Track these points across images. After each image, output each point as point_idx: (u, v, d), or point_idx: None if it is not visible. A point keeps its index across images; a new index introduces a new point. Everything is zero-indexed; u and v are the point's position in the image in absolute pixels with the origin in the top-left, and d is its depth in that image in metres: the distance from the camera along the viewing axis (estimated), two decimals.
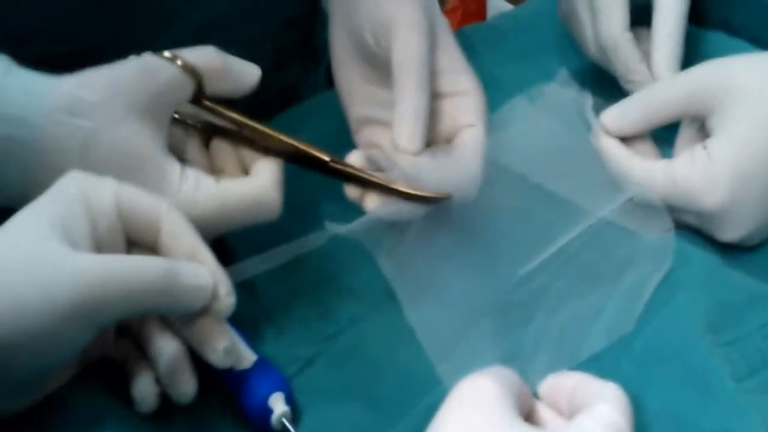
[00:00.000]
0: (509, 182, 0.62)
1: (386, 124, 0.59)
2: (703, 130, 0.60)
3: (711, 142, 0.58)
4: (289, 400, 0.53)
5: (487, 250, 0.59)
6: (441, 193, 0.56)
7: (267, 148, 0.56)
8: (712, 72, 0.59)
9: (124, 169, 0.51)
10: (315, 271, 0.61)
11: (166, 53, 0.54)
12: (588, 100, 0.65)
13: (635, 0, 0.68)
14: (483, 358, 0.52)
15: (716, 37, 0.73)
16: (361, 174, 0.57)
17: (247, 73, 0.57)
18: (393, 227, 0.58)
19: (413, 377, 0.56)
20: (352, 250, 0.57)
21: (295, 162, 0.57)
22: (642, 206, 0.60)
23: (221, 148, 0.58)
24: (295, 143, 0.57)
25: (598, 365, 0.50)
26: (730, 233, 0.58)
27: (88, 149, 0.51)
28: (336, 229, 0.55)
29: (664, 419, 0.50)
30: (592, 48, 0.68)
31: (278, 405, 0.53)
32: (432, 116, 0.58)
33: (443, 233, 0.59)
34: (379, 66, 0.61)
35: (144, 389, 0.51)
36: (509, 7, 0.87)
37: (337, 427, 0.54)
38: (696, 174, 0.57)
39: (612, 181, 0.62)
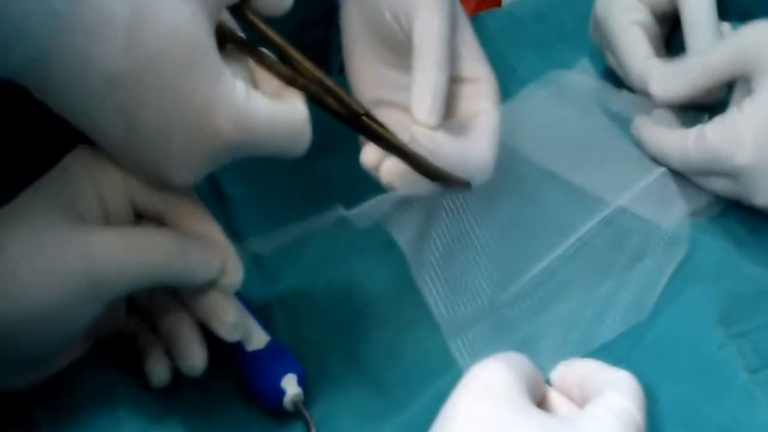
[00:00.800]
0: (524, 170, 0.62)
1: (400, 106, 0.59)
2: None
3: (745, 103, 0.58)
4: (302, 382, 0.53)
5: (501, 237, 0.58)
6: (463, 179, 0.56)
7: (294, 80, 0.50)
8: (759, 33, 0.59)
9: (176, 59, 0.43)
10: (327, 254, 0.61)
11: None
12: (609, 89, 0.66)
13: (660, 12, 0.69)
14: (496, 344, 0.51)
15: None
16: (390, 137, 0.54)
17: None
18: (405, 209, 0.58)
19: (424, 363, 0.56)
20: (365, 232, 0.57)
21: (319, 104, 0.51)
22: (657, 194, 0.60)
23: (256, 67, 0.52)
24: (333, 85, 0.52)
25: (610, 354, 0.50)
26: (763, 195, 0.58)
27: (138, 23, 0.42)
28: (345, 212, 0.55)
29: (675, 410, 0.50)
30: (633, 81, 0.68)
31: (291, 386, 0.53)
32: (448, 99, 0.57)
33: (458, 218, 0.59)
34: (395, 47, 0.61)
35: (156, 363, 0.51)
36: None
37: (348, 411, 0.54)
38: (726, 133, 0.58)
39: (628, 169, 0.62)
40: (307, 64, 0.51)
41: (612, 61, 0.70)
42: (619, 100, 0.67)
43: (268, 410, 0.53)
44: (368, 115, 0.53)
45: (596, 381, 0.46)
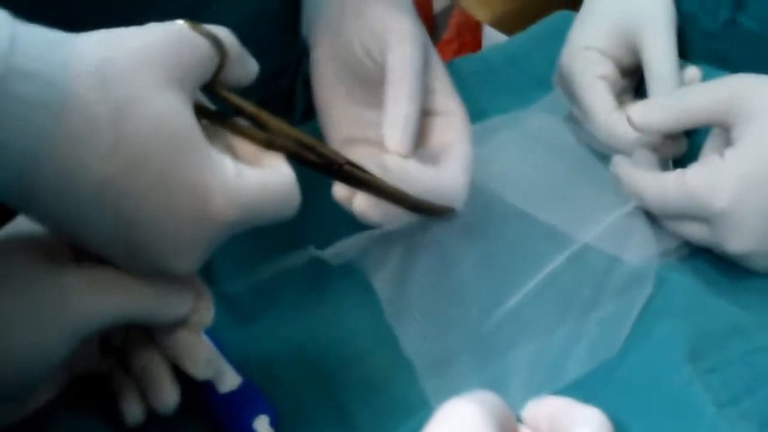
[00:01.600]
0: (495, 208, 0.63)
1: (372, 143, 0.59)
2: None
3: (727, 150, 0.58)
4: (274, 423, 0.53)
5: (473, 276, 0.59)
6: (445, 207, 0.57)
7: (272, 143, 0.50)
8: (742, 83, 0.60)
9: (164, 149, 0.43)
10: (302, 294, 0.62)
11: (195, 24, 0.47)
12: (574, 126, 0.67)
13: (626, 66, 0.70)
14: (468, 382, 0.52)
15: (706, 70, 0.74)
16: (373, 179, 0.54)
17: (252, 63, 0.52)
18: (379, 249, 0.58)
19: (398, 402, 0.56)
20: (340, 271, 0.58)
21: (299, 161, 0.51)
22: (626, 232, 0.61)
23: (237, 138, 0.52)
24: (310, 140, 0.52)
25: (580, 392, 0.50)
26: (737, 242, 0.58)
27: (122, 120, 0.42)
28: (317, 252, 0.55)
29: None
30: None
31: (263, 428, 0.53)
32: (420, 131, 0.58)
33: (431, 258, 0.59)
34: (366, 84, 0.61)
35: (130, 402, 0.51)
36: (505, 38, 0.88)
37: None
38: (705, 176, 0.58)
39: (595, 206, 0.63)
40: (280, 125, 0.51)
41: (577, 114, 0.71)
42: (585, 137, 0.69)
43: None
44: (350, 163, 0.54)
45: (566, 418, 0.46)
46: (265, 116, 0.51)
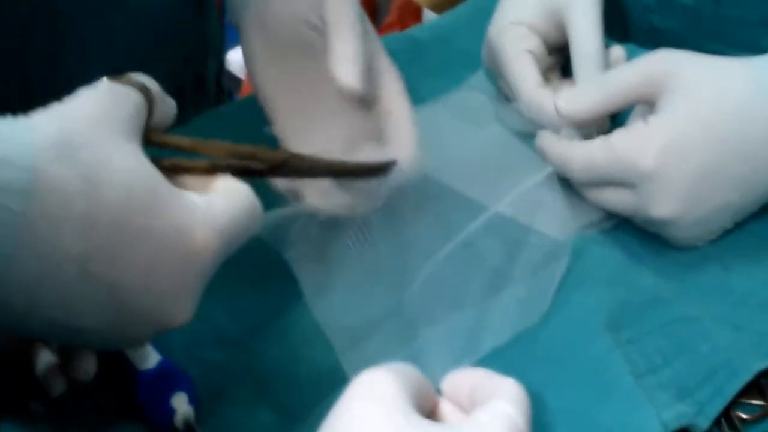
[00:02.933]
0: (418, 185, 0.62)
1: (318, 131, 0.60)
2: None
3: (650, 117, 0.58)
4: (193, 401, 0.53)
5: (391, 248, 0.59)
6: (387, 160, 0.57)
7: (216, 167, 0.49)
8: (665, 60, 0.60)
9: (140, 204, 0.43)
10: (222, 274, 0.61)
11: (119, 77, 0.47)
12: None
13: (552, 42, 0.70)
14: (387, 358, 0.51)
15: (631, 50, 0.74)
16: (319, 163, 0.54)
17: (171, 101, 0.52)
18: (295, 228, 0.58)
19: (318, 379, 0.55)
20: (258, 251, 0.57)
21: (245, 174, 0.50)
22: (543, 203, 0.61)
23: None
24: (247, 149, 0.51)
25: (499, 362, 0.50)
26: (661, 206, 0.58)
27: (94, 187, 0.41)
28: None
29: (563, 414, 0.51)
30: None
31: (181, 405, 0.52)
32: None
33: (348, 234, 0.59)
34: (304, 55, 0.61)
35: (51, 373, 0.51)
36: None
37: (242, 429, 0.54)
38: (631, 139, 0.58)
39: (513, 179, 0.63)
40: (218, 145, 0.50)
41: (504, 88, 0.71)
42: (511, 115, 0.69)
43: (160, 429, 0.52)
44: (293, 155, 0.53)
45: (483, 389, 0.46)
46: (202, 144, 0.50)
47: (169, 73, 0.77)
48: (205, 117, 0.75)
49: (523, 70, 0.68)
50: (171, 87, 0.78)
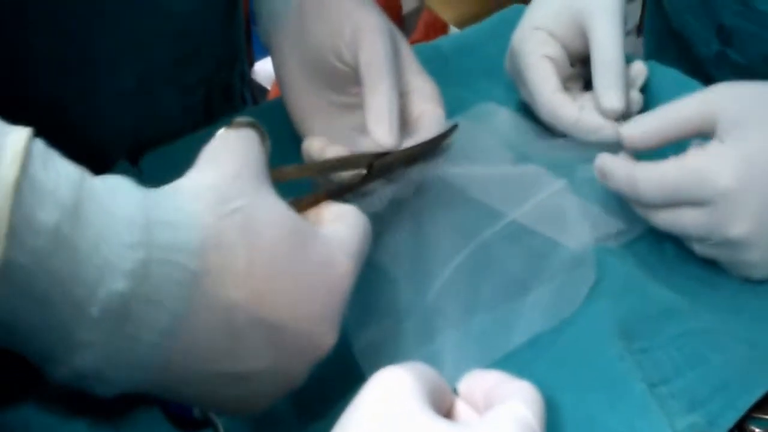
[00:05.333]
0: (444, 192, 0.62)
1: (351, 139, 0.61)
2: None
3: (723, 135, 0.57)
4: None
5: (410, 252, 0.58)
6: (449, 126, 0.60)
7: (333, 193, 0.52)
8: (726, 91, 0.59)
9: (290, 243, 0.45)
10: None
11: (236, 122, 0.48)
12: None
13: (574, 51, 0.70)
14: (405, 357, 0.51)
15: (653, 66, 0.74)
16: (395, 155, 0.57)
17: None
18: None
19: (337, 377, 0.55)
20: None
21: (338, 195, 0.54)
22: (563, 215, 0.61)
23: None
24: (339, 158, 0.55)
25: (515, 365, 0.50)
26: (738, 224, 0.55)
27: (250, 235, 0.43)
28: None
29: (576, 419, 0.50)
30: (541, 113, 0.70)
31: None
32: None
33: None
34: (337, 84, 0.62)
35: None
36: None
37: (261, 418, 0.53)
38: (708, 158, 0.56)
39: (534, 188, 0.63)
40: (309, 166, 0.54)
41: (524, 95, 0.71)
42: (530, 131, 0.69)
43: (177, 419, 0.52)
44: (376, 155, 0.56)
45: (499, 391, 0.45)
46: (302, 169, 0.53)
47: (199, 80, 0.78)
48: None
49: (542, 74, 0.68)
50: (200, 95, 0.79)
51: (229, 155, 0.46)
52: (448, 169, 0.62)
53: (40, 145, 0.40)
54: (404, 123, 0.61)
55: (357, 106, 0.61)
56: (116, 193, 0.41)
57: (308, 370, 0.47)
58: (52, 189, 0.39)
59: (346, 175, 0.56)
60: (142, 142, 0.72)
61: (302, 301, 0.45)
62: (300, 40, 0.64)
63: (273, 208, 0.45)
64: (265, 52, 0.69)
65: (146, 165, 0.69)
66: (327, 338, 0.47)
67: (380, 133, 0.57)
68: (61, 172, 0.40)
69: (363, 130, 0.60)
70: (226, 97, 0.85)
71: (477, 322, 0.55)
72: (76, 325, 0.39)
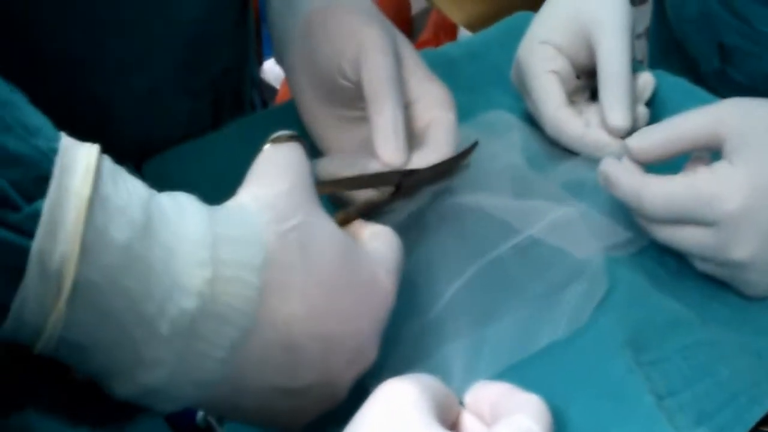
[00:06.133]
0: (448, 203, 0.62)
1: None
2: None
3: (730, 155, 0.56)
4: None
5: (419, 264, 0.58)
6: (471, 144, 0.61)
7: (348, 218, 0.53)
8: (734, 107, 0.58)
9: (342, 260, 0.45)
10: None
11: (282, 133, 0.48)
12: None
13: (580, 64, 0.69)
14: (411, 368, 0.50)
15: (660, 76, 0.73)
16: (421, 173, 0.58)
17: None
18: None
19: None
20: None
21: (382, 205, 0.56)
22: (573, 230, 0.60)
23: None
24: (370, 175, 0.56)
25: (522, 377, 0.49)
26: (741, 248, 0.55)
27: (307, 251, 0.44)
28: None
29: (583, 431, 0.49)
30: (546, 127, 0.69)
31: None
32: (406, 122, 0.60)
33: None
34: (347, 101, 0.63)
35: None
36: None
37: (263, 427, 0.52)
38: (716, 179, 0.55)
39: (547, 201, 0.62)
40: (342, 182, 0.55)
41: (530, 108, 0.70)
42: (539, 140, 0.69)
43: (179, 426, 0.51)
44: (405, 172, 0.57)
45: (506, 403, 0.45)
46: (335, 185, 0.55)
47: (209, 84, 0.78)
48: (237, 124, 0.75)
49: (547, 88, 0.68)
50: (210, 99, 0.79)
51: (281, 172, 0.46)
52: (463, 193, 0.62)
53: (108, 161, 0.41)
54: (413, 133, 0.61)
55: (366, 120, 0.61)
56: (184, 210, 0.42)
57: (352, 384, 0.48)
58: (123, 206, 0.39)
59: (374, 192, 0.57)
60: (150, 147, 0.72)
61: (353, 316, 0.46)
62: (308, 60, 0.64)
63: (326, 225, 0.46)
64: (272, 52, 0.69)
65: (148, 170, 0.69)
66: (371, 353, 0.48)
67: (388, 154, 0.58)
68: (131, 189, 0.40)
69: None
70: (235, 102, 0.85)
71: (484, 333, 0.54)
72: (146, 342, 0.40)
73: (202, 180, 0.62)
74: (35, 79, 0.66)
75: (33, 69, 0.66)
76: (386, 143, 0.58)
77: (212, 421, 0.51)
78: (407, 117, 0.61)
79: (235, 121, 0.75)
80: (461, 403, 0.47)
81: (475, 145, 0.62)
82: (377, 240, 0.50)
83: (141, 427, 0.52)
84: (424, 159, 0.59)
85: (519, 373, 0.53)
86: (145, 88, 0.73)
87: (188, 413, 0.51)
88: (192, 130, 0.74)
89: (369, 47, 0.60)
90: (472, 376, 0.52)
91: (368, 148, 0.61)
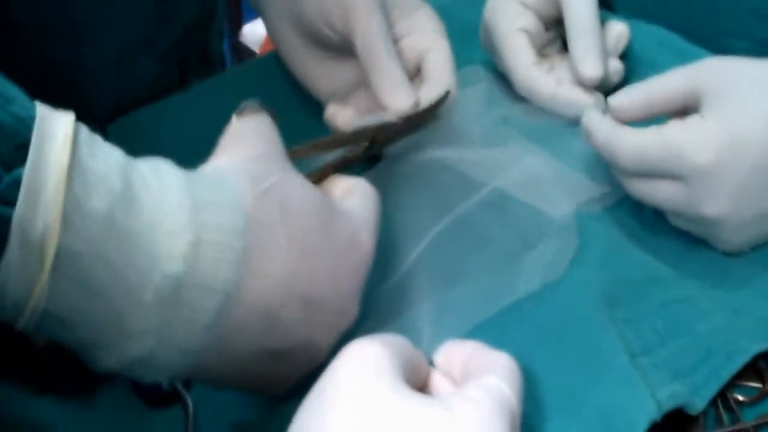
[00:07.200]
0: (417, 159, 0.60)
1: (353, 90, 0.63)
2: None
3: (705, 111, 0.54)
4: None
5: (386, 222, 0.56)
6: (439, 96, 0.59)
7: (323, 174, 0.53)
8: (714, 66, 0.57)
9: (321, 218, 0.45)
10: None
11: (249, 103, 0.48)
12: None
13: (548, 16, 0.68)
14: (379, 329, 0.49)
15: (634, 25, 0.71)
16: (399, 123, 0.57)
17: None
18: None
19: None
20: None
21: (341, 168, 0.54)
22: (545, 183, 0.59)
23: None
24: (345, 134, 0.56)
25: (493, 336, 0.48)
26: (713, 203, 0.53)
27: (287, 212, 0.44)
28: None
29: (556, 391, 0.48)
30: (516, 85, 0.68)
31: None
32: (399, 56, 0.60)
33: None
34: (334, 47, 0.62)
35: None
36: None
37: (231, 392, 0.51)
38: (689, 132, 0.54)
39: (515, 157, 0.61)
40: (316, 144, 0.53)
41: (500, 67, 0.69)
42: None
43: (146, 395, 0.50)
44: (378, 127, 0.57)
45: (476, 362, 0.44)
46: (308, 148, 0.53)
47: (173, 44, 0.76)
48: (203, 85, 0.74)
49: (516, 48, 0.66)
50: (175, 58, 0.77)
51: (251, 139, 0.46)
52: (430, 148, 0.61)
53: (85, 130, 0.40)
54: (409, 66, 0.61)
55: (353, 57, 0.61)
56: (162, 177, 0.41)
57: (334, 344, 0.47)
58: (102, 175, 0.39)
59: (349, 148, 0.56)
60: (117, 109, 0.71)
61: (333, 276, 0.46)
62: (291, 9, 0.63)
63: (301, 186, 0.46)
64: (253, 14, 0.68)
65: (114, 132, 0.68)
66: (352, 312, 0.48)
67: (398, 104, 0.57)
68: (108, 157, 0.40)
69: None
70: (204, 58, 0.83)
71: (454, 292, 0.53)
72: (130, 312, 0.39)
73: (169, 142, 0.61)
74: (5, 47, 0.64)
75: (3, 37, 0.65)
76: (394, 96, 0.57)
77: (178, 385, 0.50)
78: (399, 53, 0.60)
79: (202, 82, 0.73)
80: (431, 363, 0.46)
81: (447, 95, 0.60)
82: (354, 195, 0.50)
83: (107, 397, 0.51)
84: (429, 93, 0.59)
85: (490, 331, 0.52)
86: (115, 50, 0.72)
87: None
88: (159, 91, 0.73)
89: (357, 6, 0.59)
90: (441, 335, 0.50)
91: (356, 89, 0.62)
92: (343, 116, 0.62)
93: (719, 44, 0.66)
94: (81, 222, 0.37)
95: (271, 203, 0.43)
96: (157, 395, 0.50)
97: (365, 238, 0.48)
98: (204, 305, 0.40)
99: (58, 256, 0.37)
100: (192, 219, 0.40)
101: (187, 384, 0.50)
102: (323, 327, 0.46)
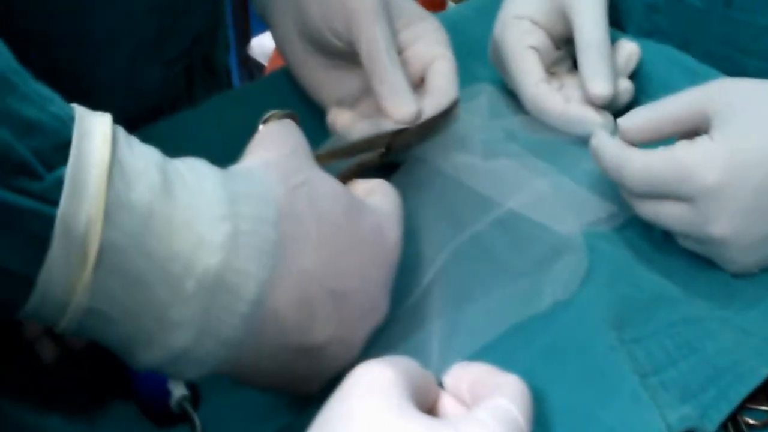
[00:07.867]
0: (430, 174, 0.60)
1: (359, 98, 0.63)
2: None
3: (714, 132, 0.54)
4: (189, 384, 0.50)
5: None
6: (450, 101, 0.60)
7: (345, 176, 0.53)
8: (723, 87, 0.57)
9: (348, 213, 0.46)
10: None
11: (277, 111, 0.50)
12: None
13: (558, 35, 0.68)
14: (389, 350, 0.49)
15: (645, 45, 0.71)
16: (414, 128, 0.58)
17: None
18: None
19: None
20: None
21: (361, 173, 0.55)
22: (555, 203, 0.58)
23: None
24: (363, 140, 0.56)
25: (503, 357, 0.47)
26: (720, 223, 0.53)
27: (316, 205, 0.45)
28: None
29: (565, 413, 0.48)
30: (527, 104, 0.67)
31: (177, 388, 0.50)
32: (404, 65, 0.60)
33: None
34: (340, 55, 0.63)
35: (44, 342, 0.51)
36: None
37: (238, 412, 0.51)
38: (696, 152, 0.54)
39: (526, 176, 0.60)
40: (336, 151, 0.55)
41: (509, 85, 0.69)
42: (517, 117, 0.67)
43: (153, 412, 0.50)
44: (395, 132, 0.57)
45: (486, 384, 0.43)
46: (329, 154, 0.54)
47: (180, 53, 0.76)
48: (212, 101, 0.73)
49: (526, 66, 0.66)
50: (181, 67, 0.77)
51: (279, 140, 0.47)
52: (441, 160, 0.61)
53: (121, 129, 0.41)
54: (412, 77, 0.62)
55: (358, 66, 0.61)
56: (198, 171, 0.43)
57: (365, 340, 0.48)
58: (141, 170, 0.40)
59: (366, 154, 0.57)
60: (126, 117, 0.70)
61: (363, 269, 0.46)
62: (297, 17, 0.64)
63: (329, 182, 0.47)
64: (262, 27, 0.68)
65: None
66: (382, 307, 0.48)
67: (401, 114, 0.58)
68: (146, 154, 0.41)
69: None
70: (208, 69, 0.84)
71: (466, 313, 0.52)
72: (172, 303, 0.40)
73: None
74: (17, 58, 0.64)
75: (15, 48, 0.65)
76: (396, 104, 0.58)
77: (187, 406, 0.49)
78: (403, 62, 0.61)
79: (211, 99, 0.73)
80: (440, 385, 0.45)
81: (458, 101, 0.61)
82: (376, 194, 0.51)
83: (114, 416, 0.51)
84: (432, 105, 0.59)
85: (499, 351, 0.51)
86: (125, 60, 0.72)
87: (162, 399, 0.49)
88: (166, 100, 0.74)
89: (360, 12, 0.59)
90: (451, 355, 0.50)
91: (362, 97, 0.62)
92: (342, 119, 0.62)
93: (732, 63, 0.66)
94: (122, 215, 0.39)
95: (301, 198, 0.44)
96: (166, 414, 0.49)
97: (391, 232, 0.48)
98: (242, 295, 0.41)
99: (100, 250, 0.38)
100: (229, 210, 0.41)
101: (195, 403, 0.50)
102: (354, 321, 0.47)
